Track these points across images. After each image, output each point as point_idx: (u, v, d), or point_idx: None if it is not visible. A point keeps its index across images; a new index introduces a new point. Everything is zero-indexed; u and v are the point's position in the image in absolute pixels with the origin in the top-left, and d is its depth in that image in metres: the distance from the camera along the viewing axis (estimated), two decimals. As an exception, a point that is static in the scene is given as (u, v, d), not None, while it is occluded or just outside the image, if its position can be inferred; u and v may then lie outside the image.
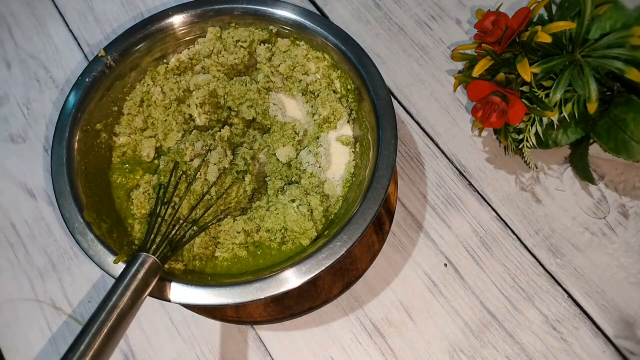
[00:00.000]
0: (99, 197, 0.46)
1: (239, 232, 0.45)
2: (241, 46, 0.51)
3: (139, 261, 0.37)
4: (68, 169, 0.44)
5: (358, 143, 0.49)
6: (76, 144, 0.45)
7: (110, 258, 0.40)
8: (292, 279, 0.39)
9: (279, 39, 0.52)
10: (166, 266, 0.43)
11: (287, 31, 0.51)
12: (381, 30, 0.63)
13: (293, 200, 0.45)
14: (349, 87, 0.49)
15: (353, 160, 0.49)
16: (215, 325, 0.50)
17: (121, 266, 0.40)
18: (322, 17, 0.50)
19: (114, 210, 0.46)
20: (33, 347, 0.50)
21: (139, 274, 0.37)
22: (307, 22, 0.49)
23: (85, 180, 0.45)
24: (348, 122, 0.51)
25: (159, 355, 0.49)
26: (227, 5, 0.50)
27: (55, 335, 0.50)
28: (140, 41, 0.49)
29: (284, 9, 0.49)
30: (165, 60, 0.52)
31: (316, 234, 0.45)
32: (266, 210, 0.46)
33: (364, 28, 0.64)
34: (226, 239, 0.45)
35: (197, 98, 0.50)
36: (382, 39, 0.63)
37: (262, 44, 0.52)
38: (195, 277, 0.43)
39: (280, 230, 0.45)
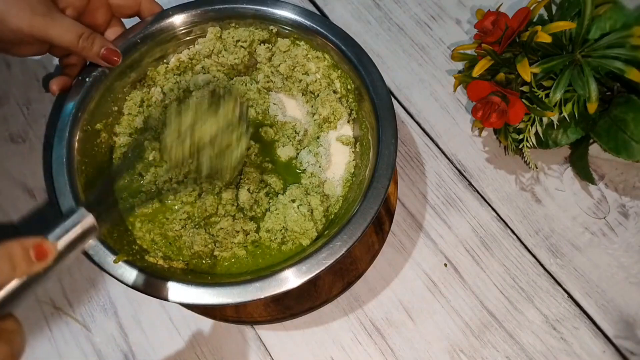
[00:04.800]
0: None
1: (237, 232, 0.45)
2: (241, 46, 0.51)
3: (74, 217, 0.34)
4: (68, 169, 0.44)
5: (358, 143, 0.49)
6: (76, 144, 0.45)
7: (110, 258, 0.40)
8: (292, 278, 0.39)
9: (279, 39, 0.52)
10: (166, 265, 0.43)
11: (287, 31, 0.51)
12: (381, 30, 0.63)
13: (293, 201, 0.45)
14: (349, 87, 0.49)
15: (353, 160, 0.49)
16: (215, 325, 0.50)
17: (121, 265, 0.40)
18: (322, 17, 0.50)
19: (114, 210, 0.46)
20: (33, 347, 0.50)
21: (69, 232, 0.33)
22: (307, 22, 0.49)
23: (85, 180, 0.45)
24: (348, 122, 0.51)
25: (159, 355, 0.49)
26: (227, 5, 0.50)
27: (55, 335, 0.50)
28: (140, 41, 0.49)
29: (284, 9, 0.49)
30: (165, 60, 0.52)
31: (316, 234, 0.45)
32: (266, 210, 0.46)
33: (364, 28, 0.64)
34: (225, 238, 0.45)
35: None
36: (382, 39, 0.63)
37: (262, 44, 0.52)
38: (195, 277, 0.43)
39: (281, 230, 0.45)
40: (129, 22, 0.50)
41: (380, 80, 0.46)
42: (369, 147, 0.46)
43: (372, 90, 0.45)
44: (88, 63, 0.48)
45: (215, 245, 0.45)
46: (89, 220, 0.34)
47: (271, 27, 0.51)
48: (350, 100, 0.50)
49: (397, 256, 0.52)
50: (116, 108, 0.49)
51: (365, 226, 0.40)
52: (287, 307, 0.48)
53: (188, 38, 0.51)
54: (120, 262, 0.40)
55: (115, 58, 0.46)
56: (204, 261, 0.45)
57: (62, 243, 0.32)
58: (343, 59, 0.48)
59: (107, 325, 0.50)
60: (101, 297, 0.51)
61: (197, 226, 0.45)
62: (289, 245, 0.45)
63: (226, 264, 0.45)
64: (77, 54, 0.45)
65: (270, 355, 0.49)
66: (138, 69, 0.50)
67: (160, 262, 0.43)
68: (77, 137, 0.45)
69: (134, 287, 0.40)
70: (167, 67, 0.51)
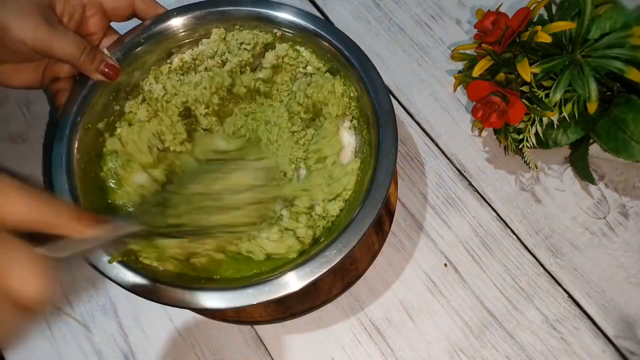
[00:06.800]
0: (98, 196, 0.46)
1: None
2: (245, 49, 0.51)
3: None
4: (68, 168, 0.44)
5: (359, 150, 0.49)
6: (76, 142, 0.45)
7: (104, 257, 0.40)
8: (292, 282, 0.39)
9: (284, 44, 0.51)
10: (161, 268, 0.43)
11: (290, 35, 0.50)
12: (381, 30, 0.63)
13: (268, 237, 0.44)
14: (351, 94, 0.49)
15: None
16: (215, 325, 0.50)
17: (115, 266, 0.40)
18: (326, 22, 0.49)
19: (113, 210, 0.46)
20: (33, 347, 0.50)
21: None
22: (311, 27, 0.49)
23: (84, 179, 0.45)
24: (349, 128, 0.51)
25: (159, 355, 0.49)
26: (231, 8, 0.50)
27: (55, 335, 0.50)
28: (144, 41, 0.49)
29: (288, 12, 0.49)
30: (168, 60, 0.52)
31: (300, 248, 0.43)
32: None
33: (364, 28, 0.64)
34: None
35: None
36: (382, 39, 0.63)
37: (269, 50, 0.51)
38: (189, 280, 0.42)
39: (262, 251, 0.44)
40: (133, 22, 0.50)
41: (383, 89, 0.45)
42: (369, 155, 0.46)
43: (374, 98, 0.45)
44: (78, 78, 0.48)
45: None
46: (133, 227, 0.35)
47: (275, 30, 0.50)
48: (352, 107, 0.49)
49: (397, 256, 0.52)
50: (118, 107, 0.49)
51: (362, 234, 0.40)
52: (287, 307, 0.48)
53: (192, 39, 0.51)
54: (114, 263, 0.39)
55: (113, 73, 0.46)
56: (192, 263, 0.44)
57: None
58: (346, 65, 0.48)
59: (107, 325, 0.50)
60: (101, 297, 0.51)
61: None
62: (276, 261, 0.44)
63: (214, 266, 0.44)
64: (77, 68, 0.44)
65: (270, 355, 0.49)
66: (141, 69, 0.50)
67: (155, 263, 0.43)
68: (78, 136, 0.45)
69: (129, 289, 0.39)
70: (171, 67, 0.51)
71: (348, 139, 0.50)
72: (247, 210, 0.41)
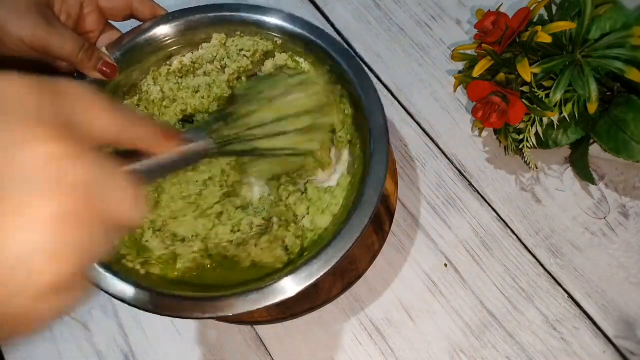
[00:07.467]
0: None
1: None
2: (244, 55, 0.51)
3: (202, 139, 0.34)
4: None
5: (350, 165, 0.48)
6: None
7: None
8: (289, 286, 0.38)
9: (283, 54, 0.51)
10: (142, 271, 0.41)
11: (291, 44, 0.50)
12: (381, 30, 0.63)
13: (261, 235, 0.44)
14: (346, 111, 0.48)
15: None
16: (215, 325, 0.50)
17: (101, 273, 0.39)
18: (326, 33, 0.48)
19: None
20: (33, 347, 0.50)
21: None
22: (310, 37, 0.48)
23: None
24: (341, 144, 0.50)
25: (159, 355, 0.49)
26: (232, 13, 0.50)
27: (55, 335, 0.50)
28: (143, 42, 0.49)
29: (287, 21, 0.49)
30: (167, 62, 0.52)
31: (287, 258, 0.43)
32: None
33: (364, 28, 0.64)
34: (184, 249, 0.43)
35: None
36: (382, 39, 0.63)
37: (268, 59, 0.51)
38: (171, 287, 0.42)
39: (249, 258, 0.44)
40: (133, 23, 0.50)
41: (377, 103, 0.44)
42: (359, 170, 0.45)
43: (367, 113, 0.44)
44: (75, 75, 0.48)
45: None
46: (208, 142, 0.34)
47: (275, 38, 0.50)
48: (346, 125, 0.49)
49: (397, 256, 0.52)
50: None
51: (349, 247, 0.39)
52: (287, 307, 0.48)
53: (192, 42, 0.51)
54: (100, 269, 0.38)
55: (110, 71, 0.45)
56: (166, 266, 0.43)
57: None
58: (342, 78, 0.47)
59: (107, 325, 0.51)
60: (101, 297, 0.51)
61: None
62: (261, 270, 0.43)
63: (199, 273, 0.43)
64: (75, 65, 0.44)
65: (270, 355, 0.49)
66: (140, 69, 0.50)
67: (137, 266, 0.41)
68: None
69: (116, 297, 0.38)
70: (169, 68, 0.51)
71: (339, 155, 0.49)
72: (305, 134, 0.42)
